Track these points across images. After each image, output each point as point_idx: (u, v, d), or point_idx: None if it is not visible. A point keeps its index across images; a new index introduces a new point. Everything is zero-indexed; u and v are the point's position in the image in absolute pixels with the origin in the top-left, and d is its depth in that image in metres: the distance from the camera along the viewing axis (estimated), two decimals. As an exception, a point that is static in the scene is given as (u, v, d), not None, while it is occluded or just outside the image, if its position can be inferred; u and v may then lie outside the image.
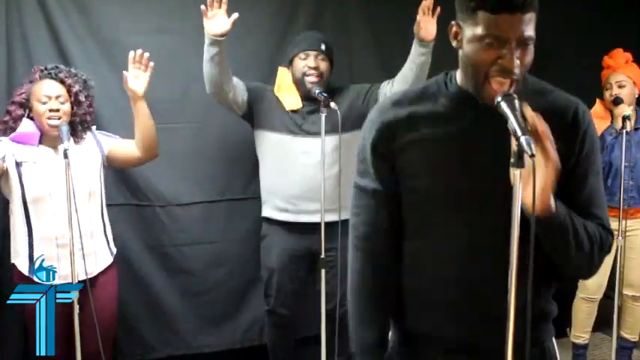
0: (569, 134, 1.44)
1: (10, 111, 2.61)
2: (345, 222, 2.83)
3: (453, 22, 1.43)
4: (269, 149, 3.02)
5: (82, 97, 2.65)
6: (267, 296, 3.13)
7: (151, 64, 2.70)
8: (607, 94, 3.39)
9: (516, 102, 1.27)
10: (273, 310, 3.12)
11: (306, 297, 3.19)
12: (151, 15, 3.20)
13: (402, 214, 1.51)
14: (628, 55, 3.43)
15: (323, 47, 2.99)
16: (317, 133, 2.86)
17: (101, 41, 3.10)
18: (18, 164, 2.54)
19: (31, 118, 2.60)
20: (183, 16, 3.22)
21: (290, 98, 3.01)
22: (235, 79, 2.95)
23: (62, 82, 2.62)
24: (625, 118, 3.13)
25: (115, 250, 2.80)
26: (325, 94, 2.83)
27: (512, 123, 1.23)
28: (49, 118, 2.54)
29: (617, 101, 3.28)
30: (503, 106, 1.27)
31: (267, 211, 3.09)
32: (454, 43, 1.43)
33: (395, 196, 1.50)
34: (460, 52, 1.43)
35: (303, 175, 2.94)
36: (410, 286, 1.52)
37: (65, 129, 2.44)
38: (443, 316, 1.47)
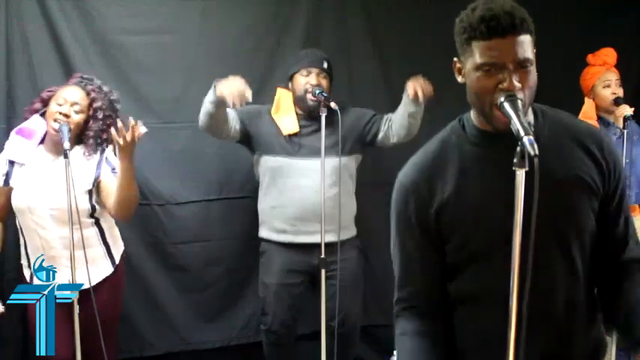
0: (602, 162, 1.46)
1: (33, 102, 2.62)
2: (343, 241, 2.90)
3: (455, 59, 1.44)
4: (268, 172, 3.00)
5: (99, 114, 2.59)
6: (264, 314, 3.08)
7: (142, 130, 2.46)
8: (607, 91, 3.33)
9: (519, 102, 1.29)
10: (271, 329, 3.06)
11: (305, 312, 3.19)
12: (151, 15, 3.21)
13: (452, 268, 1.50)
14: (616, 56, 3.39)
15: (325, 65, 2.97)
16: (316, 155, 2.86)
17: (101, 41, 3.12)
18: (10, 163, 2.53)
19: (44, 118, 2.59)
20: (184, 16, 3.24)
21: (287, 122, 2.98)
22: (229, 112, 2.88)
23: (87, 93, 2.59)
24: (626, 119, 3.13)
25: (117, 258, 2.73)
26: (325, 94, 2.85)
27: (515, 123, 1.24)
28: (55, 120, 2.51)
29: (619, 101, 3.26)
30: (506, 106, 1.28)
31: (264, 233, 3.07)
32: (460, 79, 1.44)
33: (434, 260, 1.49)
34: (467, 89, 1.44)
35: (303, 196, 2.93)
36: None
37: (65, 129, 2.44)
38: None
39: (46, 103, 2.59)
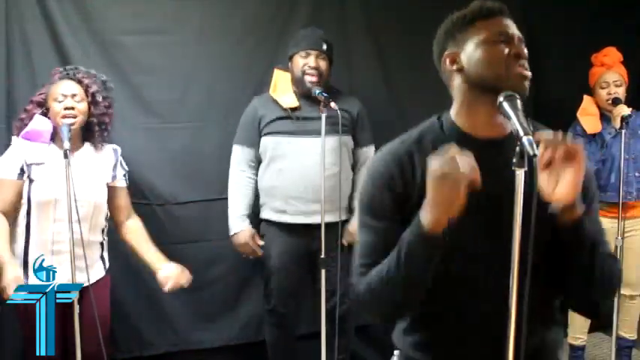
0: None
1: (28, 109, 2.61)
2: (345, 222, 2.90)
3: (445, 53, 1.47)
4: (268, 151, 3.01)
5: (99, 97, 2.65)
6: (267, 295, 3.13)
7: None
8: (603, 92, 3.37)
9: (518, 102, 1.29)
10: (274, 309, 3.11)
11: (306, 295, 3.21)
12: (151, 15, 3.21)
13: None
14: (620, 55, 3.43)
15: (324, 47, 2.98)
16: (315, 133, 2.86)
17: (101, 41, 3.11)
18: (28, 166, 2.53)
19: (48, 119, 2.60)
20: (183, 16, 3.24)
21: (286, 98, 3.00)
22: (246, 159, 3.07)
23: (80, 82, 2.62)
24: (624, 118, 3.13)
25: (108, 265, 2.78)
26: (325, 94, 2.84)
27: (515, 123, 1.24)
28: (63, 117, 2.53)
29: (617, 101, 3.27)
30: (506, 106, 1.28)
31: (265, 213, 3.09)
32: (454, 67, 1.45)
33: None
34: (457, 80, 1.45)
35: (302, 175, 2.93)
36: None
37: (66, 129, 2.45)
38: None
39: (42, 105, 2.60)
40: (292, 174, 2.96)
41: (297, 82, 2.99)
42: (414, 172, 1.42)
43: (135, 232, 2.81)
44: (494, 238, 1.37)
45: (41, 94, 2.62)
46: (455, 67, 1.45)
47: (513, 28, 1.42)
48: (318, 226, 2.86)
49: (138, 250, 2.77)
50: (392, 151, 1.47)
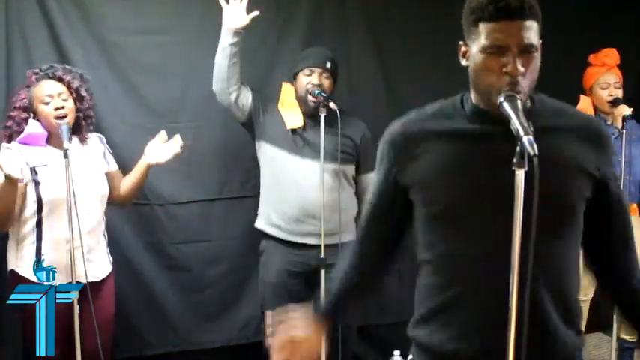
0: (598, 154, 1.45)
1: (13, 116, 2.57)
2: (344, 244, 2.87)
3: (460, 43, 1.45)
4: (267, 162, 3.01)
5: (83, 92, 2.66)
6: (264, 311, 3.05)
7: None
8: (604, 92, 3.37)
9: (519, 102, 1.28)
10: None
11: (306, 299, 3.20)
12: (151, 15, 3.21)
13: (414, 226, 1.55)
14: (618, 57, 3.43)
15: (328, 65, 2.96)
16: (316, 157, 2.87)
17: (101, 41, 3.11)
18: (32, 169, 2.52)
19: (37, 121, 2.59)
20: (184, 16, 3.24)
21: (292, 116, 2.98)
22: (244, 85, 2.99)
23: (61, 79, 2.61)
24: (625, 118, 3.13)
25: (110, 256, 2.82)
26: (325, 94, 2.85)
27: (515, 123, 1.24)
28: (57, 117, 2.52)
29: (617, 102, 3.28)
30: (506, 106, 1.28)
31: (260, 223, 3.09)
32: (464, 62, 1.45)
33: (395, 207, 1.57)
34: (470, 70, 1.45)
35: (301, 198, 2.93)
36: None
37: (65, 128, 2.44)
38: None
39: (27, 109, 2.58)
40: (291, 194, 2.95)
41: (301, 100, 2.98)
42: (417, 147, 1.49)
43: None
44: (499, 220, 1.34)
45: (23, 98, 2.58)
46: (464, 61, 1.45)
47: (518, 37, 1.32)
48: (314, 246, 2.89)
49: (130, 177, 2.82)
50: (413, 118, 1.56)
